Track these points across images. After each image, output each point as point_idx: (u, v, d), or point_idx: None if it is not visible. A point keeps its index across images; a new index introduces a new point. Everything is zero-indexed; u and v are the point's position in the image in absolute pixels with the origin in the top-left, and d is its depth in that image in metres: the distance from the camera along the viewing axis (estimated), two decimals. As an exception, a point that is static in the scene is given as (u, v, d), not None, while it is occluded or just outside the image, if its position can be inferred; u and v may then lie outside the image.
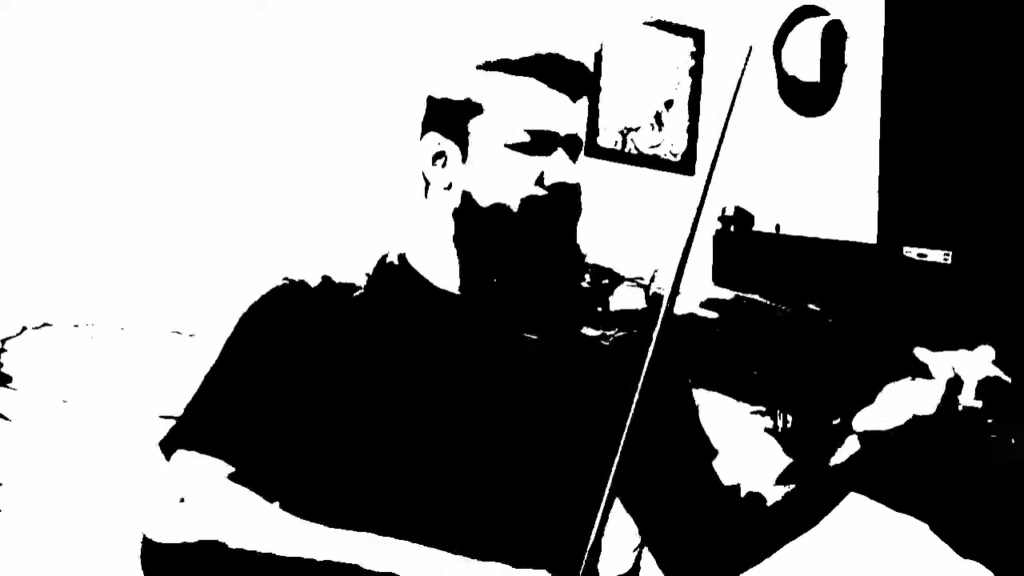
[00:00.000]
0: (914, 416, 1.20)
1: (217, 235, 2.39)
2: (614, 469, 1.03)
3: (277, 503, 1.20)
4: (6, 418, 1.82)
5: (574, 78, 1.30)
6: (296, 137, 2.50)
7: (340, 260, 1.40)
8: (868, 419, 1.25)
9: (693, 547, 1.37)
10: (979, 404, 1.16)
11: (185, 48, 2.39)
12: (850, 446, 1.28)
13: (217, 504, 1.16)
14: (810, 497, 1.31)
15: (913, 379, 1.20)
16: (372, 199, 2.54)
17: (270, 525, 1.15)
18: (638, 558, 2.03)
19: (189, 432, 1.24)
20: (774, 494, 1.33)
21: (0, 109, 2.21)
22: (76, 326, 1.98)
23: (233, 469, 1.20)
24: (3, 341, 1.90)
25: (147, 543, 1.18)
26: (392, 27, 2.61)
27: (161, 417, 1.76)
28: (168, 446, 1.25)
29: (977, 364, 1.18)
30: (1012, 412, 1.15)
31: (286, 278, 1.34)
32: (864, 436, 1.24)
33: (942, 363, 1.19)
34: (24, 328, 1.93)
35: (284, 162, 2.48)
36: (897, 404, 1.22)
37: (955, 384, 1.18)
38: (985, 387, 1.17)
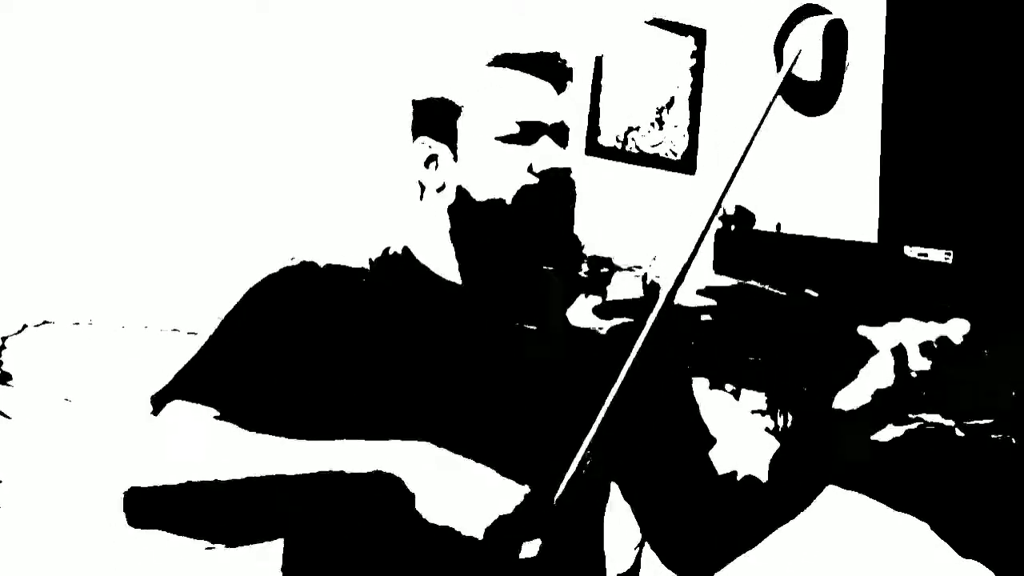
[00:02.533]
0: (876, 391, 1.22)
1: (218, 234, 2.39)
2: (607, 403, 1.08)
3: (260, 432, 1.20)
4: (6, 416, 1.82)
5: (553, 67, 1.32)
6: (296, 136, 2.50)
7: (341, 259, 1.40)
8: (842, 400, 1.25)
9: (688, 534, 1.38)
10: (928, 365, 1.18)
11: (185, 48, 2.39)
12: (830, 427, 1.28)
13: (200, 441, 1.18)
14: (798, 480, 1.31)
15: (865, 355, 1.22)
16: (372, 199, 2.54)
17: (255, 449, 1.16)
18: (638, 556, 2.03)
19: (179, 391, 1.25)
20: (763, 478, 1.33)
21: (0, 109, 2.21)
22: (76, 324, 1.98)
23: (218, 412, 1.21)
24: (3, 339, 1.90)
25: (133, 492, 1.18)
26: (392, 26, 2.62)
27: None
28: (158, 403, 1.25)
29: (915, 328, 1.20)
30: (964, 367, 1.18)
31: (294, 257, 1.36)
32: (840, 416, 1.25)
33: (883, 335, 1.21)
34: (24, 326, 1.93)
35: (284, 162, 2.49)
36: (860, 382, 1.23)
37: (901, 352, 1.19)
38: (930, 349, 1.18)
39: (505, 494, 1.10)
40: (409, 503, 1.11)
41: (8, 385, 1.84)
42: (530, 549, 1.07)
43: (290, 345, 1.28)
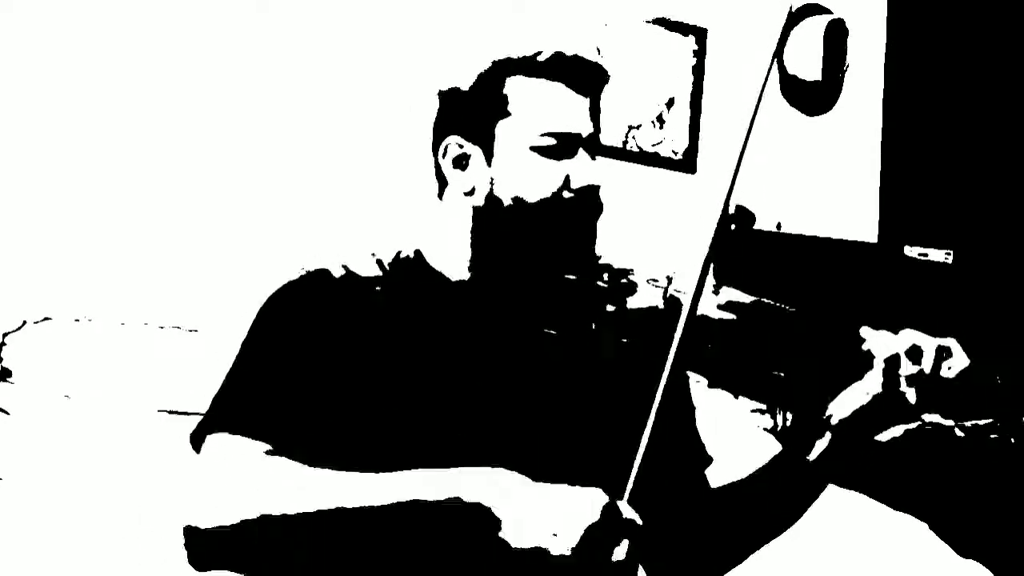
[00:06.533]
0: (872, 398, 1.20)
1: (219, 232, 2.39)
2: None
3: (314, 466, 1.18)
4: (6, 412, 1.82)
5: (593, 80, 1.30)
6: (296, 134, 2.51)
7: (343, 257, 1.39)
8: (834, 409, 1.24)
9: (676, 550, 1.37)
10: (915, 371, 1.17)
11: (185, 48, 2.39)
12: (824, 438, 1.27)
13: (255, 478, 1.15)
14: (789, 492, 1.30)
15: (863, 363, 1.21)
16: (375, 195, 2.54)
17: (312, 483, 1.13)
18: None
19: (218, 423, 1.23)
20: (756, 491, 1.32)
21: (0, 109, 2.21)
22: (77, 320, 1.98)
23: (268, 446, 1.19)
24: (4, 335, 1.90)
25: (191, 531, 1.16)
26: (392, 26, 2.62)
27: (160, 411, 1.76)
28: (197, 439, 1.23)
29: (901, 338, 1.19)
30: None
31: (304, 269, 1.34)
32: (833, 427, 1.25)
33: (880, 342, 1.20)
34: (24, 322, 1.94)
35: (283, 160, 2.49)
36: (852, 390, 1.22)
37: (891, 360, 1.18)
38: (915, 355, 1.18)
39: (584, 505, 1.07)
40: (495, 529, 1.08)
41: (8, 381, 1.85)
42: (620, 552, 1.05)
43: (316, 361, 1.25)
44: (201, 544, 1.15)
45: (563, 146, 1.28)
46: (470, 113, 1.30)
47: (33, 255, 2.20)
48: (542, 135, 1.27)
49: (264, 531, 1.13)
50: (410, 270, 1.34)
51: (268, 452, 1.18)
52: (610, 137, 2.91)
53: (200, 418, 1.26)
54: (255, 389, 1.24)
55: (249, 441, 1.19)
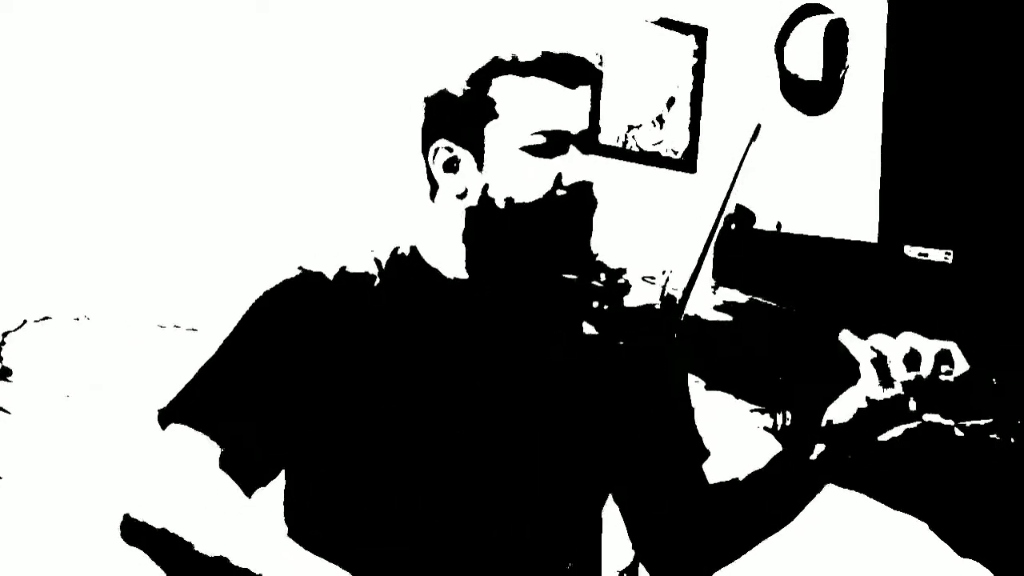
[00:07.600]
0: (867, 402, 1.20)
1: (219, 231, 2.39)
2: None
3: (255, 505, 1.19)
4: (6, 411, 1.82)
5: (582, 75, 1.30)
6: (296, 134, 2.51)
7: (341, 257, 1.39)
8: (831, 414, 1.25)
9: (674, 546, 1.38)
10: (912, 376, 1.17)
11: (185, 48, 2.39)
12: (820, 443, 1.28)
13: (194, 497, 1.16)
14: (788, 491, 1.31)
15: (846, 368, 1.21)
16: (374, 196, 2.55)
17: (241, 533, 1.14)
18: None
19: (189, 406, 1.24)
20: (755, 489, 1.33)
21: (0, 109, 2.21)
22: (77, 320, 1.98)
23: (221, 451, 1.19)
24: (4, 334, 1.90)
25: (127, 518, 1.19)
26: (391, 26, 2.62)
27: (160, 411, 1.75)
28: (165, 418, 1.24)
29: (899, 342, 1.19)
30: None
31: (301, 267, 1.34)
32: (829, 430, 1.25)
33: (863, 347, 1.20)
34: (25, 321, 1.94)
35: (283, 159, 2.49)
36: (848, 396, 1.22)
37: (882, 364, 1.18)
38: (913, 359, 1.18)
39: None
40: None
41: (8, 380, 1.85)
42: None
43: (300, 356, 1.26)
44: (133, 530, 1.18)
45: (553, 144, 1.27)
46: (458, 117, 1.29)
47: (33, 255, 2.20)
48: (532, 134, 1.27)
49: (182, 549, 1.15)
50: (406, 267, 1.34)
51: (221, 461, 1.19)
52: (610, 137, 2.91)
53: (173, 397, 1.26)
54: (233, 387, 1.24)
55: (207, 445, 1.19)
